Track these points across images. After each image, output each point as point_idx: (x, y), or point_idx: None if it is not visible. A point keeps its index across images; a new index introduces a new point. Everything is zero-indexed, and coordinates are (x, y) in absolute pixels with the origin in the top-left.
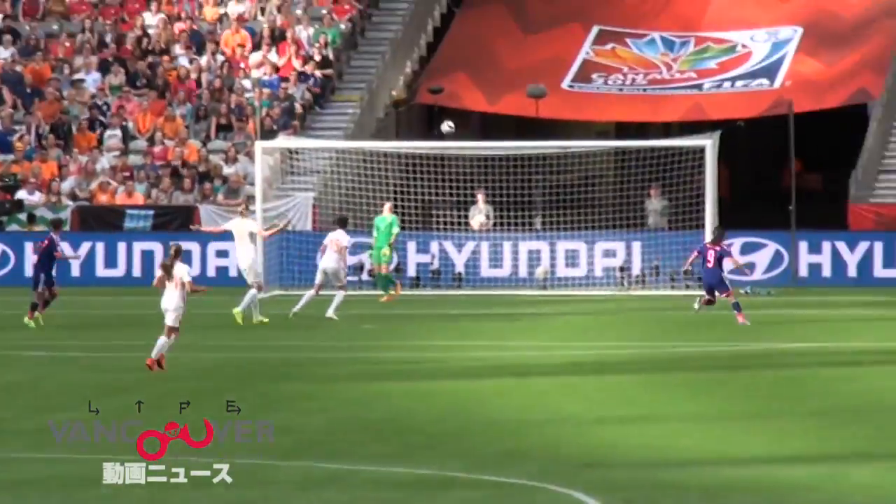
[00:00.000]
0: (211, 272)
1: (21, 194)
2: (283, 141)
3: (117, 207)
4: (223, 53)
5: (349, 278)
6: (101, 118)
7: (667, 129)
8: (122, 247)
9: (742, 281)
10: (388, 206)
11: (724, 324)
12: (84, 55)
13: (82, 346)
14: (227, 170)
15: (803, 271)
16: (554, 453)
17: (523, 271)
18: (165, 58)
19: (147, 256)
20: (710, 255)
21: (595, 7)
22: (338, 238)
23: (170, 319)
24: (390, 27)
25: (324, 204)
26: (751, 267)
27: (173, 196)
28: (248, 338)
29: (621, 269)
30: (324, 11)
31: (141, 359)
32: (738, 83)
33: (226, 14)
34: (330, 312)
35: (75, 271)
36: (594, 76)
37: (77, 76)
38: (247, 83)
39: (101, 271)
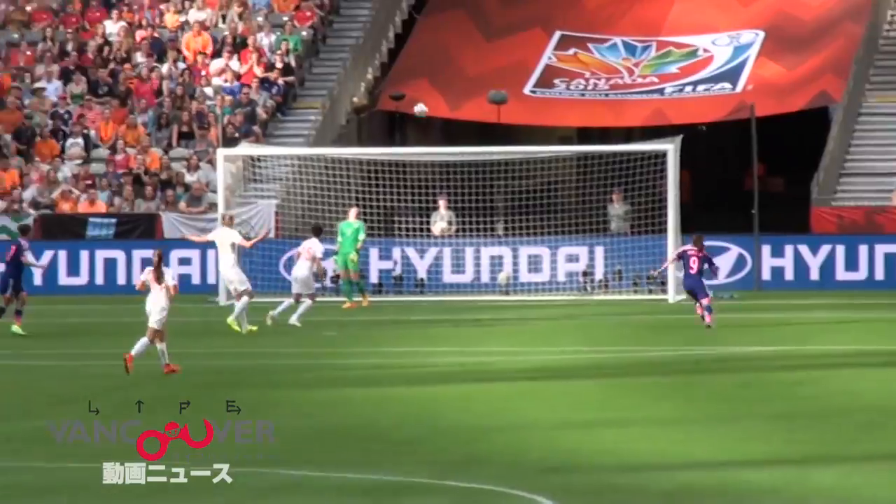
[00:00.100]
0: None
1: None
2: (245, 148)
3: (80, 216)
4: (185, 58)
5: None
6: (63, 127)
7: (628, 134)
8: (84, 255)
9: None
10: (353, 211)
11: (687, 328)
12: (45, 64)
13: (44, 354)
14: (189, 177)
15: (766, 275)
16: (517, 458)
17: (486, 277)
18: (127, 66)
19: (110, 264)
20: (694, 262)
21: (557, 12)
22: (311, 246)
23: (155, 322)
24: (351, 33)
25: (286, 211)
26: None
27: (135, 204)
28: (207, 346)
29: (584, 273)
30: (285, 18)
31: (103, 366)
32: (700, 87)
33: (187, 21)
34: (293, 319)
35: (38, 280)
36: (556, 81)
37: (38, 85)
38: (208, 91)
39: (63, 279)
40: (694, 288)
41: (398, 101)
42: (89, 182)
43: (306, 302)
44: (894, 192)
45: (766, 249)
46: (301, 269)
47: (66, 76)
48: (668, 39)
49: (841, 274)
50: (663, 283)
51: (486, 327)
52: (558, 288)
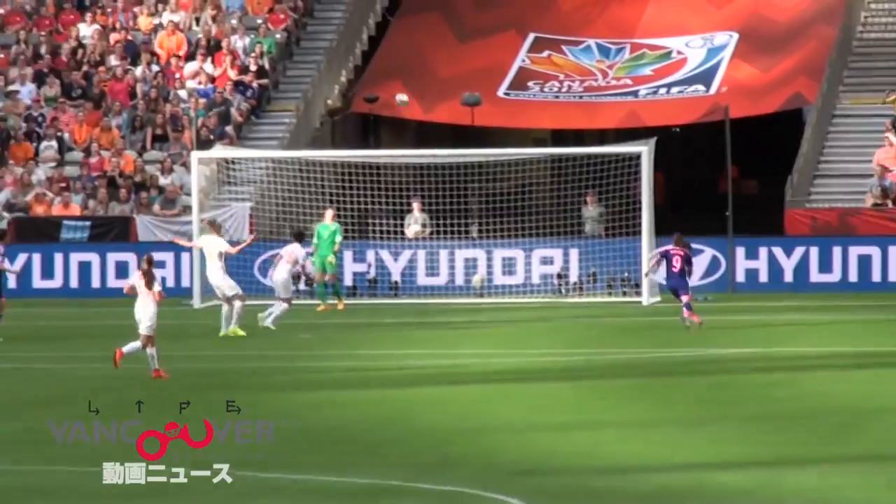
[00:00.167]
0: None
1: None
2: (219, 151)
3: (54, 218)
4: (158, 58)
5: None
6: (37, 129)
7: (602, 136)
8: (58, 258)
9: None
10: (330, 212)
11: (661, 330)
12: (19, 67)
13: (19, 357)
14: (164, 180)
15: (740, 277)
16: (491, 461)
17: (460, 279)
18: (101, 69)
19: (84, 268)
20: (677, 260)
21: (531, 15)
22: (293, 251)
23: (146, 329)
24: (325, 36)
25: (260, 214)
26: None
27: (110, 207)
28: (183, 349)
29: (558, 276)
30: (259, 21)
31: (79, 370)
32: (674, 90)
33: (160, 24)
34: (268, 322)
35: (12, 283)
36: (530, 84)
37: (12, 88)
38: (182, 94)
39: (38, 283)
40: (677, 287)
41: (372, 104)
42: (63, 185)
43: (282, 305)
44: (868, 194)
45: (740, 251)
46: (281, 273)
47: (39, 79)
48: (641, 41)
49: (815, 276)
50: (637, 286)
51: (461, 330)
52: (532, 290)
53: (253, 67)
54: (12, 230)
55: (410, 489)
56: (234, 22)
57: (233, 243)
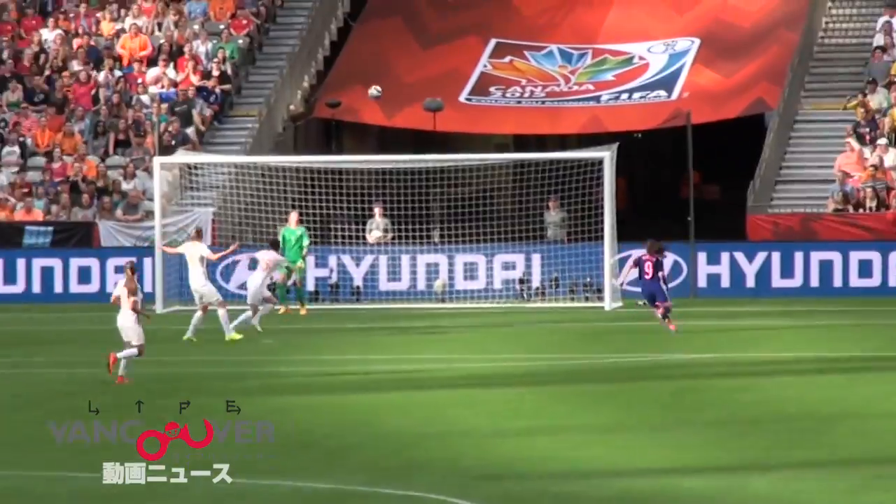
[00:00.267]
0: (110, 288)
1: None
2: (182, 156)
3: (16, 224)
4: (120, 59)
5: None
6: None
7: (564, 142)
8: (21, 263)
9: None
10: (294, 216)
11: (623, 335)
12: None
13: None
14: (126, 185)
15: (702, 282)
16: (454, 466)
17: (422, 284)
18: (66, 73)
19: (47, 273)
20: (648, 266)
21: (492, 20)
22: (270, 257)
23: (134, 339)
24: (287, 42)
25: (223, 219)
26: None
27: (72, 212)
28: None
29: (521, 281)
30: (221, 26)
31: (41, 374)
32: (636, 95)
33: (123, 29)
34: (230, 327)
35: None
36: (492, 89)
37: None
38: (145, 99)
39: (0, 288)
40: (653, 293)
41: (334, 109)
42: (26, 190)
43: (247, 312)
44: (829, 199)
45: (701, 257)
46: (255, 280)
47: (1, 84)
48: (603, 47)
49: (777, 281)
50: (599, 291)
51: (423, 335)
52: (495, 295)
53: (215, 73)
54: None
55: (374, 494)
56: (196, 27)
57: (215, 250)
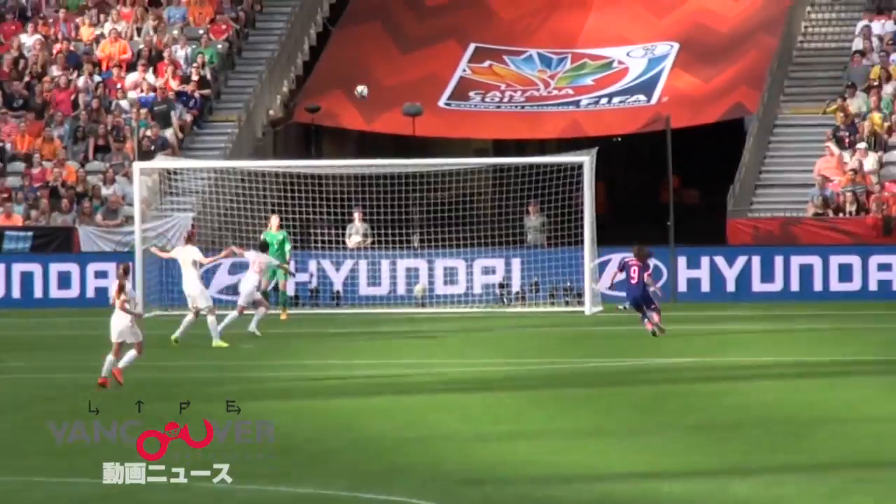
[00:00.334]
0: (90, 293)
1: None
2: (161, 161)
3: None
4: (100, 63)
5: (225, 298)
6: None
7: (543, 146)
8: (0, 268)
9: (621, 297)
10: (275, 220)
11: (603, 339)
12: None
13: None
14: (106, 191)
15: (682, 286)
16: (435, 470)
17: (402, 289)
18: (46, 79)
19: (26, 278)
20: (634, 272)
21: (472, 25)
22: (260, 258)
23: (129, 339)
24: (266, 47)
25: (203, 224)
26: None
27: (52, 217)
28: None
29: (501, 285)
30: (200, 31)
31: (21, 380)
32: (616, 100)
33: (102, 34)
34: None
35: None
36: (471, 94)
37: None
38: (124, 104)
39: None
40: (638, 298)
41: (314, 114)
42: (5, 195)
43: (233, 314)
44: (809, 204)
45: (681, 261)
46: (248, 282)
47: None
48: (583, 51)
49: (757, 285)
50: (579, 296)
51: (404, 340)
52: (475, 300)
53: (195, 78)
54: None
55: (354, 499)
56: (175, 32)
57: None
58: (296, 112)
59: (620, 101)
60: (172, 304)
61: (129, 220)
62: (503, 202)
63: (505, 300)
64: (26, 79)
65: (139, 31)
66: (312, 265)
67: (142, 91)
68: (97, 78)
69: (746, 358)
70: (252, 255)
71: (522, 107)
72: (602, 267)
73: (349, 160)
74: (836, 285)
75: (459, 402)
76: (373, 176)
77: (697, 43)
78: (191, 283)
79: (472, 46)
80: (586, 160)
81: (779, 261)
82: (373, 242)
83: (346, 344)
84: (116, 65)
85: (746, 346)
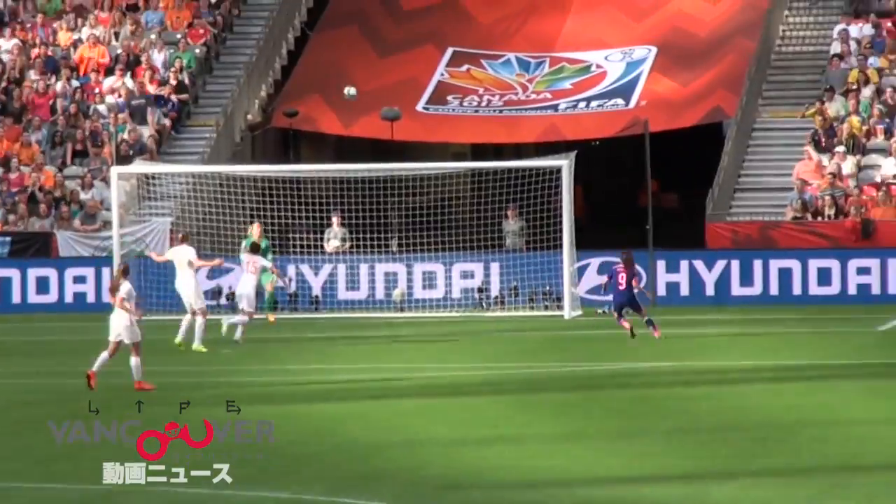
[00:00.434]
0: (69, 298)
1: None
2: (139, 166)
3: None
4: (78, 68)
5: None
6: None
7: (521, 150)
8: None
9: (599, 301)
10: (257, 227)
11: (583, 344)
12: None
13: None
14: (84, 195)
15: (661, 290)
16: (415, 475)
17: (380, 293)
18: (27, 83)
19: (4, 283)
20: (621, 277)
21: (449, 29)
22: (255, 260)
23: (126, 338)
24: (244, 51)
25: (181, 229)
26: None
27: (29, 222)
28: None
29: (480, 290)
30: (178, 36)
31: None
32: (594, 103)
33: (80, 39)
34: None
35: None
36: (449, 98)
37: None
38: (102, 109)
39: None
40: (624, 303)
41: (292, 118)
42: None
43: (243, 317)
44: (788, 207)
45: (660, 265)
46: (246, 285)
47: None
48: (561, 55)
49: (736, 289)
50: (559, 300)
51: (383, 344)
52: (453, 304)
53: (172, 82)
54: None
55: None
56: (153, 37)
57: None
58: (274, 116)
59: (599, 105)
60: (151, 308)
61: (107, 224)
62: (482, 206)
63: (484, 304)
64: (4, 84)
65: (117, 35)
66: (291, 270)
67: (119, 96)
68: (75, 83)
69: (725, 362)
70: (246, 257)
71: (500, 111)
72: (581, 271)
73: (327, 164)
74: (815, 289)
75: (438, 406)
76: (351, 180)
77: (675, 47)
78: (186, 284)
79: (449, 50)
80: (565, 164)
81: (758, 264)
82: (351, 247)
83: (324, 348)
84: (94, 69)
85: (726, 350)
